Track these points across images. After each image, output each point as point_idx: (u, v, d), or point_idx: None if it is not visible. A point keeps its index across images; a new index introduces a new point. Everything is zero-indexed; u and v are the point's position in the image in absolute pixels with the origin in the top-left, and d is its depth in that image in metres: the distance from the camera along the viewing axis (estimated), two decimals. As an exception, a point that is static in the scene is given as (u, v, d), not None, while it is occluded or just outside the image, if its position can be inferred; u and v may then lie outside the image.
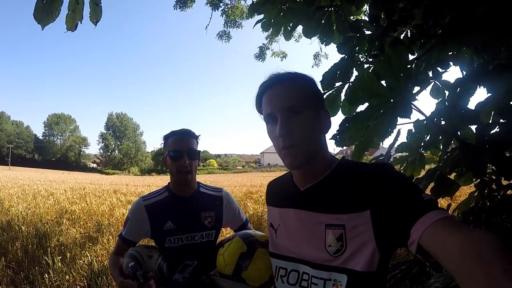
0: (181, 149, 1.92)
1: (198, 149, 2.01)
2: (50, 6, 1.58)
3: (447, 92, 1.99)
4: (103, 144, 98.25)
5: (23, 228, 7.72)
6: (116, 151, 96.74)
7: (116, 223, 9.00)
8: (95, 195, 15.65)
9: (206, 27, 11.50)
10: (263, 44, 11.22)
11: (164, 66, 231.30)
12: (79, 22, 1.71)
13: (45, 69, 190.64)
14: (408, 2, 1.75)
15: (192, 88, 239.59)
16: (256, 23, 2.29)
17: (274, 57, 11.55)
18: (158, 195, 2.01)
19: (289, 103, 1.08)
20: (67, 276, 5.03)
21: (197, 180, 2.10)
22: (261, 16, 2.29)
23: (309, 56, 12.79)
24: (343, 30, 1.93)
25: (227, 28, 11.31)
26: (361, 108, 1.62)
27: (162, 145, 2.04)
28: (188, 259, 1.62)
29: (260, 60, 11.28)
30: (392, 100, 1.49)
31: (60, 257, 5.72)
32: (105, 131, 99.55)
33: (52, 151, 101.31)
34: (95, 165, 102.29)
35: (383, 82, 1.50)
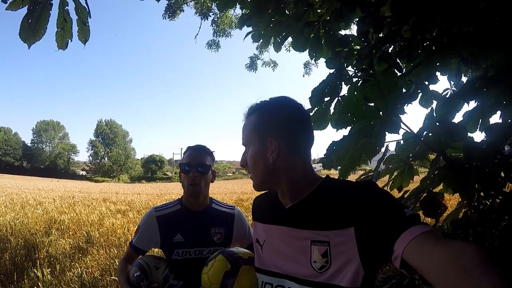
0: (192, 163, 1.98)
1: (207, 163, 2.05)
2: (35, 25, 1.59)
3: (435, 102, 2.02)
4: (92, 151, 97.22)
5: (12, 239, 7.60)
6: (106, 159, 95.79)
7: (106, 233, 8.95)
8: (84, 204, 15.53)
9: (195, 36, 11.57)
10: (254, 54, 11.31)
11: (153, 73, 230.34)
12: (69, 40, 1.73)
13: (34, 75, 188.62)
14: (396, 18, 1.78)
15: (181, 94, 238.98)
16: (247, 35, 2.30)
17: (265, 66, 11.65)
18: (170, 207, 2.06)
19: (243, 140, 1.27)
20: None
21: (209, 196, 2.13)
22: (251, 27, 2.32)
23: (299, 64, 12.88)
24: (332, 45, 1.95)
25: (216, 37, 11.39)
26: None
27: (179, 161, 2.14)
28: (175, 279, 1.68)
29: (252, 70, 11.37)
30: (380, 120, 1.51)
31: (50, 269, 5.65)
32: (94, 138, 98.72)
33: (41, 158, 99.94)
34: (84, 173, 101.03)
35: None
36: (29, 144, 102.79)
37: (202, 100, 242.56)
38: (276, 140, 1.18)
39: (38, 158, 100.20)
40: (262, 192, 1.43)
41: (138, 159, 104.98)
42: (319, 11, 2.00)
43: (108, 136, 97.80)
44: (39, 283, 5.07)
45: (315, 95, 1.83)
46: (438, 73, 2.02)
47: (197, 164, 1.99)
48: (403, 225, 0.89)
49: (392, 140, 1.68)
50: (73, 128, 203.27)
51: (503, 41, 1.55)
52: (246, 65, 11.58)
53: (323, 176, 1.23)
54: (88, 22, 1.73)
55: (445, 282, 0.72)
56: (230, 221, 2.10)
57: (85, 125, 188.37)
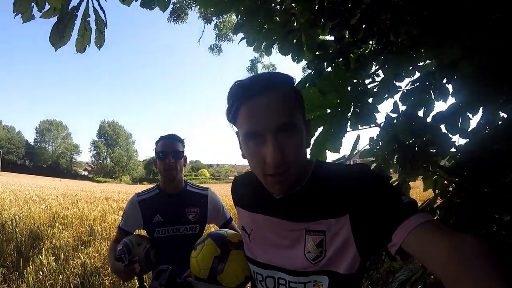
0: (167, 151, 2.20)
1: (185, 153, 2.30)
2: (63, 32, 1.87)
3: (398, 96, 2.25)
4: (95, 152, 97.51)
5: (17, 230, 7.87)
6: (108, 159, 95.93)
7: (108, 228, 9.21)
8: (87, 202, 15.80)
9: (199, 40, 11.87)
10: (254, 57, 11.63)
11: (156, 76, 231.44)
12: (87, 46, 2.01)
13: (38, 74, 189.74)
14: (365, 25, 2.07)
15: (185, 96, 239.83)
16: (241, 39, 2.58)
17: (265, 69, 11.95)
18: (150, 192, 2.31)
19: (283, 120, 0.93)
20: (60, 276, 5.20)
21: (184, 179, 2.36)
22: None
23: (298, 68, 13.16)
24: (312, 49, 2.23)
25: (218, 41, 11.70)
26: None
27: (154, 150, 2.31)
28: (162, 265, 1.70)
29: (253, 73, 11.67)
30: (336, 111, 1.79)
31: (54, 257, 5.93)
32: (97, 139, 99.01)
33: (43, 157, 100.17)
34: (86, 173, 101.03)
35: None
36: (32, 143, 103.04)
37: (207, 102, 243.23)
38: (309, 121, 1.09)
39: (41, 157, 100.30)
40: (241, 174, 1.39)
41: (140, 161, 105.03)
42: (302, 20, 2.28)
43: (111, 137, 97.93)
44: (44, 269, 5.36)
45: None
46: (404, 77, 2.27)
47: (171, 151, 2.20)
48: (402, 213, 0.86)
49: (362, 129, 1.91)
50: (76, 128, 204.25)
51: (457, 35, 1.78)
52: (247, 67, 11.93)
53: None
54: (104, 32, 2.01)
55: (447, 273, 0.72)
56: (203, 201, 2.33)
57: (88, 125, 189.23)
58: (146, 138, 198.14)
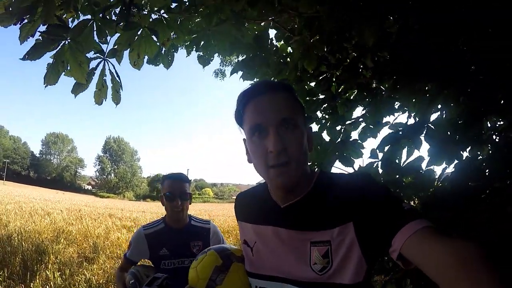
0: (174, 193, 2.34)
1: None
2: (57, 69, 2.01)
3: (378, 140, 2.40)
4: (99, 166, 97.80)
5: (23, 244, 8.04)
6: (112, 175, 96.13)
7: (111, 246, 9.39)
8: (91, 218, 15.95)
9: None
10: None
11: (162, 94, 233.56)
12: (104, 100, 2.23)
13: (47, 88, 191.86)
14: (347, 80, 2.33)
15: (190, 115, 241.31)
16: (240, 77, 2.75)
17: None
18: (156, 226, 2.46)
19: (285, 115, 1.01)
20: None
21: (189, 213, 2.53)
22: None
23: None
24: (302, 95, 2.43)
25: (223, 67, 12.04)
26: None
27: (160, 184, 2.48)
28: (159, 273, 1.74)
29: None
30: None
31: (60, 272, 6.11)
32: (102, 154, 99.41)
33: (48, 169, 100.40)
34: (90, 187, 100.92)
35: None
36: (37, 155, 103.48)
37: (212, 120, 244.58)
38: (311, 129, 1.17)
39: (45, 169, 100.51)
40: (244, 190, 1.42)
41: (144, 178, 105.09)
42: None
43: (116, 153, 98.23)
44: (51, 283, 5.57)
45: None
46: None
47: (178, 194, 2.33)
48: (402, 219, 0.88)
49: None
50: (81, 142, 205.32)
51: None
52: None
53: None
54: (119, 91, 2.22)
55: (445, 278, 0.74)
56: (206, 235, 2.49)
57: (93, 140, 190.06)
58: (151, 155, 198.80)
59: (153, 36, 2.06)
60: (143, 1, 2.32)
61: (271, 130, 0.99)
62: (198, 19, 2.44)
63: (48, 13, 1.63)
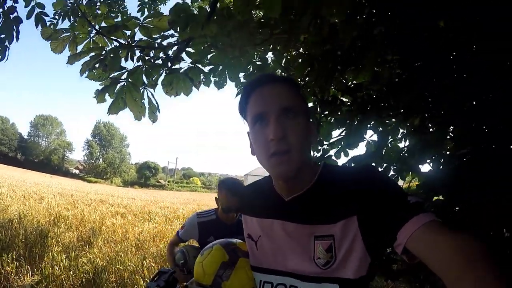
0: (231, 207, 2.60)
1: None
2: (118, 104, 2.59)
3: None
4: (88, 151, 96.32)
5: (26, 228, 8.40)
6: (100, 160, 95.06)
7: (107, 231, 9.85)
8: (84, 203, 16.31)
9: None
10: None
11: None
12: (143, 117, 2.70)
13: (37, 69, 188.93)
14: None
15: (179, 105, 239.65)
16: (236, 95, 3.07)
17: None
18: (208, 216, 2.78)
19: (285, 104, 1.02)
20: (71, 272, 5.88)
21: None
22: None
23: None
24: None
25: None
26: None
27: (219, 188, 2.68)
28: (165, 268, 1.74)
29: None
30: None
31: (65, 255, 6.62)
32: (91, 138, 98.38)
33: (35, 152, 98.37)
34: (77, 171, 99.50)
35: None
36: (25, 137, 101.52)
37: (199, 111, 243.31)
38: (314, 124, 1.17)
39: (33, 151, 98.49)
40: (249, 184, 1.43)
41: (132, 164, 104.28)
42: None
43: (105, 138, 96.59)
44: (61, 264, 6.08)
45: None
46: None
47: (233, 208, 2.58)
48: (408, 212, 0.87)
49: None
50: (70, 125, 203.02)
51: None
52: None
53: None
54: (156, 113, 2.70)
55: (449, 273, 0.74)
56: None
57: (83, 124, 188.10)
58: (140, 142, 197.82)
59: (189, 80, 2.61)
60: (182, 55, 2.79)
61: (271, 118, 1.01)
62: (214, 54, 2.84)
63: (114, 65, 2.21)
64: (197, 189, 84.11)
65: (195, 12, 2.38)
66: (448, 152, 2.19)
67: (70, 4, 3.17)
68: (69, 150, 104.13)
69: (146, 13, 6.18)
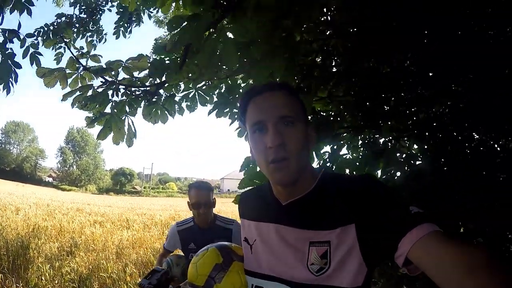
0: (201, 202, 2.71)
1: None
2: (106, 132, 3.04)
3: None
4: (61, 158, 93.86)
5: (7, 239, 8.53)
6: (74, 167, 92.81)
7: (87, 241, 10.03)
8: (61, 213, 16.29)
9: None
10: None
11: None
12: (120, 142, 3.04)
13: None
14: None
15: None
16: (215, 114, 3.27)
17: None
18: (187, 224, 2.92)
19: (283, 112, 1.03)
20: (56, 282, 6.16)
21: (215, 213, 2.91)
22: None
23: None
24: None
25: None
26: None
27: (188, 191, 2.85)
28: (158, 267, 1.75)
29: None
30: None
31: (49, 265, 6.87)
32: (64, 145, 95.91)
33: (7, 160, 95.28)
34: (50, 179, 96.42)
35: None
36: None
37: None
38: (313, 129, 1.17)
39: (4, 159, 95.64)
40: (248, 189, 1.44)
41: (107, 170, 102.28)
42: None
43: (79, 144, 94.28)
44: (46, 274, 6.34)
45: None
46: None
47: (203, 202, 2.70)
48: (410, 222, 0.86)
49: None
50: (43, 132, 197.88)
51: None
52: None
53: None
54: (133, 139, 3.05)
55: (452, 283, 0.74)
56: (228, 234, 2.77)
57: (55, 131, 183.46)
58: (114, 148, 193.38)
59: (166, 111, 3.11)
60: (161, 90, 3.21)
61: (270, 126, 1.01)
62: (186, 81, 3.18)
63: (104, 102, 2.70)
64: (174, 195, 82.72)
65: (167, 61, 2.87)
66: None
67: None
68: (42, 158, 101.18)
69: (121, 36, 6.67)
